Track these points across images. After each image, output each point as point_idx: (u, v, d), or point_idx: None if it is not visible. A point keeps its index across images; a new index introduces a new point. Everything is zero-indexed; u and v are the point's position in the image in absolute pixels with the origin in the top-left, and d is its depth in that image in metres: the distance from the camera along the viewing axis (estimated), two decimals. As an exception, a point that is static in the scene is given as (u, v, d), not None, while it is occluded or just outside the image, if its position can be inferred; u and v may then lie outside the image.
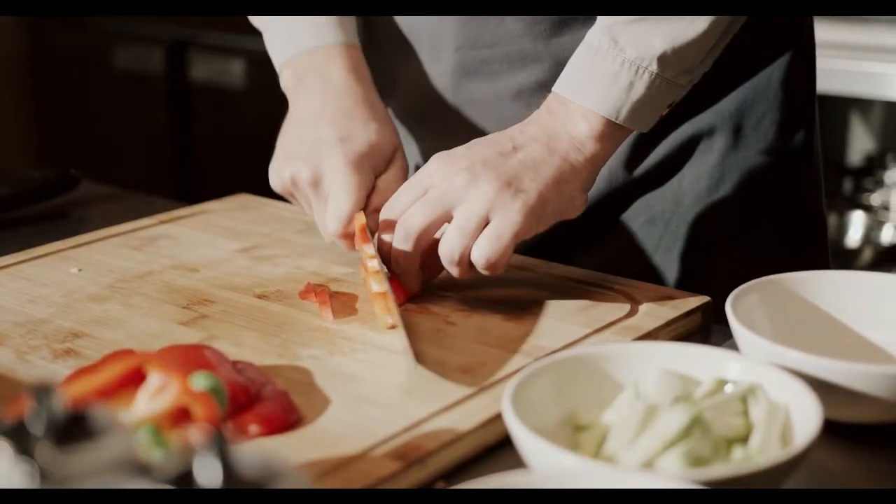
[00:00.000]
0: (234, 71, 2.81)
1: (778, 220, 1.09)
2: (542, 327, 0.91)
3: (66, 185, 1.33)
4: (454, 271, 0.91)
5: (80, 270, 1.04)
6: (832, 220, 2.22)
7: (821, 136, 1.14)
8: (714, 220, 1.08)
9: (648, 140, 1.07)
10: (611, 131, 0.93)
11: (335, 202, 0.96)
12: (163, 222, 1.18)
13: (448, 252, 0.90)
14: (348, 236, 0.97)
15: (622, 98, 0.91)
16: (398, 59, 1.12)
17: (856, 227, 2.26)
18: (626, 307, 0.94)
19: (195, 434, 0.42)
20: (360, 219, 0.96)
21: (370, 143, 0.98)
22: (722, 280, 1.07)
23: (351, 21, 1.07)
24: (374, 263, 0.94)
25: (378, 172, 1.00)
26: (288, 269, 1.04)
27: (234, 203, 1.24)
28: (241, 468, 0.43)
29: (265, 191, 1.30)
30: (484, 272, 0.90)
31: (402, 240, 0.91)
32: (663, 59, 0.91)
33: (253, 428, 0.74)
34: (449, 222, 0.91)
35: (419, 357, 0.85)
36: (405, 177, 1.01)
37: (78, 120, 3.18)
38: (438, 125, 1.10)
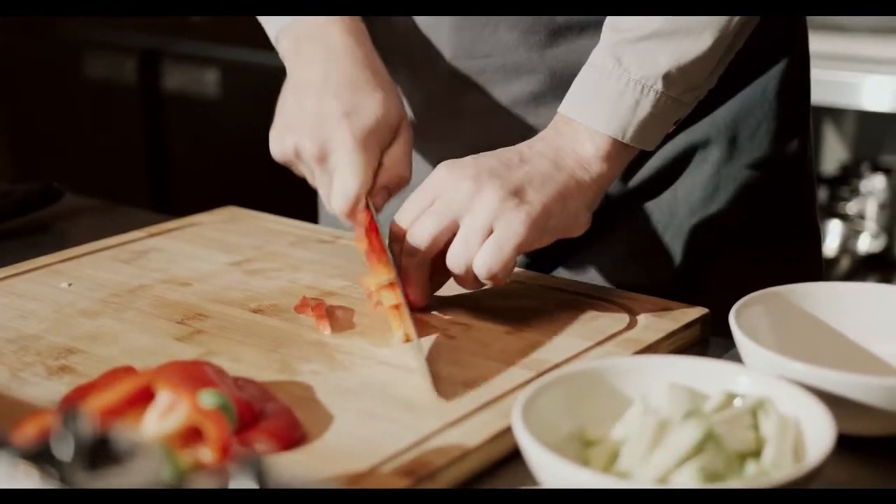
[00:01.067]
0: (209, 80, 2.79)
1: (773, 231, 1.09)
2: (542, 340, 0.90)
3: (50, 197, 1.31)
4: (461, 280, 0.91)
5: (70, 285, 1.03)
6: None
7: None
8: (709, 231, 1.08)
9: (643, 153, 1.06)
10: (617, 151, 0.92)
11: (342, 182, 0.94)
12: (152, 235, 1.17)
13: (453, 262, 0.90)
14: (355, 216, 0.95)
15: (628, 118, 0.91)
16: (393, 70, 1.11)
17: (832, 236, 2.27)
18: (626, 319, 0.94)
19: (233, 455, 0.41)
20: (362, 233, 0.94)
21: (377, 116, 0.95)
22: (717, 291, 1.07)
23: None
24: (391, 276, 0.93)
25: (384, 146, 0.97)
26: (282, 282, 1.03)
27: (223, 215, 1.23)
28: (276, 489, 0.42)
29: (241, 201, 1.28)
30: (486, 282, 0.90)
31: (410, 252, 0.91)
32: (668, 78, 0.91)
33: (258, 445, 0.73)
34: (456, 232, 0.90)
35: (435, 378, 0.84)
36: (411, 149, 0.98)
37: (49, 131, 3.15)
38: (434, 135, 1.10)
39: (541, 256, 1.09)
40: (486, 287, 0.94)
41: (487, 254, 0.88)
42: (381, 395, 0.82)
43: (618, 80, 0.91)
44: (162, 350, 0.89)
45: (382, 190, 0.96)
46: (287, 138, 0.96)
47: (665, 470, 0.66)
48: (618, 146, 0.92)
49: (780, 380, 0.73)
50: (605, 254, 1.09)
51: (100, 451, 0.43)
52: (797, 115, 1.09)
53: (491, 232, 0.88)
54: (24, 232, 1.27)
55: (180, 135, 2.90)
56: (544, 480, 0.67)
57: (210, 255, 1.11)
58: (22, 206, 1.29)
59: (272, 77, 1.05)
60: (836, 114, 2.35)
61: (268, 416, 0.76)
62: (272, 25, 1.05)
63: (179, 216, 1.23)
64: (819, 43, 1.97)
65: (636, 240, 1.09)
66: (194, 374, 0.76)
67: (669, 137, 1.07)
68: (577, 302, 0.98)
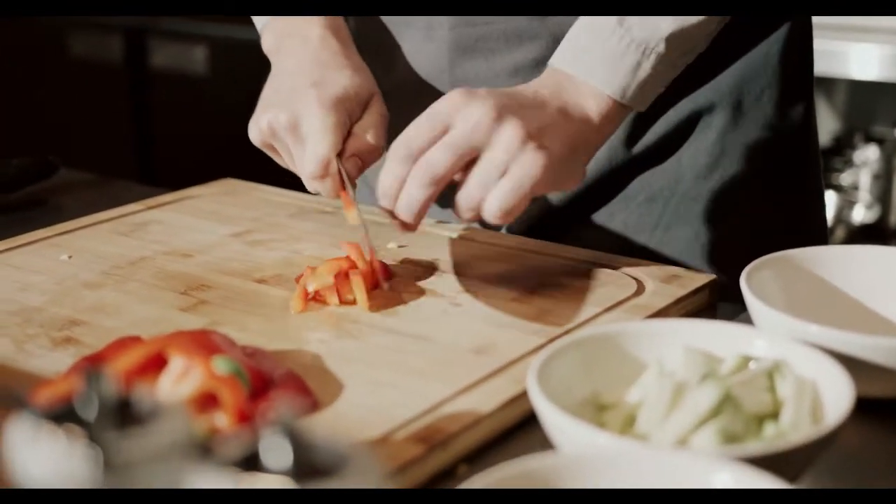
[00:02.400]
0: (197, 58, 2.77)
1: (778, 196, 1.09)
2: (550, 307, 0.90)
3: (45, 171, 1.30)
4: (466, 216, 0.86)
5: (70, 257, 1.02)
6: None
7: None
8: (714, 197, 1.07)
9: (647, 117, 1.06)
10: (616, 111, 0.92)
11: (311, 144, 0.93)
12: (150, 207, 1.16)
13: (466, 203, 0.85)
14: (325, 179, 0.94)
15: (629, 79, 0.90)
16: (394, 40, 1.10)
17: (827, 207, 2.27)
18: (633, 286, 0.93)
19: (263, 413, 0.41)
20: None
21: (344, 86, 0.95)
22: (723, 256, 1.07)
23: None
24: (353, 215, 0.94)
25: (354, 118, 0.97)
26: (284, 253, 1.02)
27: (220, 188, 1.22)
28: (311, 450, 0.41)
29: (230, 176, 1.27)
30: (496, 221, 0.86)
31: (423, 184, 0.85)
32: (670, 40, 0.90)
33: (272, 410, 0.72)
34: (471, 164, 0.86)
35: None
36: (384, 122, 0.98)
37: (36, 109, 3.12)
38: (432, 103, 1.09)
39: (545, 224, 1.08)
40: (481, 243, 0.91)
41: (503, 193, 0.84)
42: (390, 363, 0.81)
43: (619, 41, 0.90)
44: (167, 320, 0.88)
45: (353, 157, 0.95)
46: (262, 118, 0.96)
47: (684, 432, 0.66)
48: (617, 106, 0.91)
49: (796, 342, 0.73)
50: (611, 221, 1.09)
51: (123, 412, 0.42)
52: (800, 80, 1.08)
53: (505, 171, 0.85)
54: (19, 206, 1.26)
55: (168, 112, 2.88)
56: (561, 444, 0.66)
57: (210, 226, 1.10)
58: (17, 179, 1.28)
59: (261, 53, 1.05)
60: (826, 83, 2.34)
61: (278, 384, 0.75)
62: (259, 19, 1.06)
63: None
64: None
65: (641, 207, 1.08)
66: (202, 343, 0.75)
67: (672, 104, 1.06)
68: (584, 269, 0.97)
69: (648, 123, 1.06)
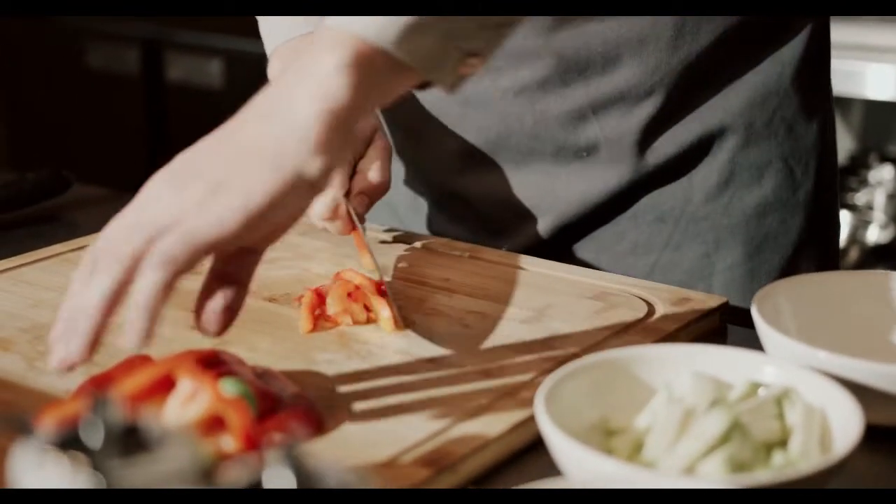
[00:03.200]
0: (212, 71, 2.78)
1: (790, 218, 1.08)
2: (560, 329, 0.90)
3: (59, 186, 1.30)
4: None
5: (82, 274, 1.02)
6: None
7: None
8: (725, 218, 1.07)
9: (656, 137, 1.06)
10: (362, 63, 0.69)
11: None
12: (162, 224, 1.15)
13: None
14: (335, 220, 0.97)
15: (390, 20, 0.70)
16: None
17: (842, 226, 2.26)
18: (644, 308, 0.93)
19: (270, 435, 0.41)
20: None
21: None
22: (733, 278, 1.07)
23: None
24: (367, 261, 0.96)
25: (358, 155, 0.99)
26: (295, 271, 1.02)
27: (232, 204, 1.22)
28: (314, 479, 0.41)
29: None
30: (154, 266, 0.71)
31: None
32: None
33: (277, 435, 0.72)
34: None
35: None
36: (387, 156, 1.01)
37: (52, 121, 3.14)
38: (440, 123, 1.09)
39: (553, 241, 1.08)
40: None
41: (170, 239, 0.71)
42: (398, 385, 0.81)
43: None
44: (177, 338, 0.88)
45: (361, 195, 0.97)
46: None
47: (691, 459, 0.66)
48: (364, 57, 0.69)
49: (805, 369, 0.73)
50: (621, 240, 1.08)
51: (129, 438, 0.42)
52: (816, 100, 1.08)
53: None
54: (33, 221, 1.26)
55: (183, 125, 2.89)
56: (567, 470, 0.66)
57: (222, 244, 1.10)
58: (31, 195, 1.28)
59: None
60: (841, 103, 2.33)
61: (287, 405, 0.75)
62: (269, 42, 1.07)
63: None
64: (836, 33, 1.96)
65: (651, 226, 1.08)
66: (214, 363, 0.76)
67: (683, 123, 1.05)
68: (594, 291, 0.97)
69: (657, 144, 1.06)
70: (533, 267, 1.03)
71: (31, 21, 3.08)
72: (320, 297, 0.92)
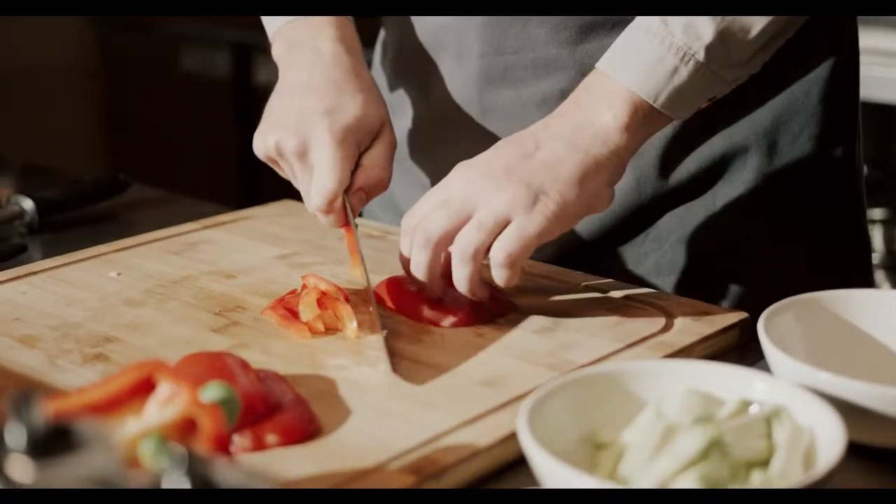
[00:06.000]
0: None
1: (816, 237, 1.07)
2: (572, 341, 0.90)
3: (116, 188, 1.34)
4: (465, 271, 0.88)
5: (118, 274, 1.05)
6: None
7: (878, 146, 1.11)
8: (750, 235, 1.06)
9: (678, 153, 1.05)
10: (637, 122, 0.90)
11: (319, 178, 0.96)
12: (206, 227, 1.18)
13: (463, 247, 0.88)
14: (331, 213, 0.98)
15: (663, 82, 0.89)
16: (424, 68, 1.11)
17: (872, 242, 2.17)
18: (661, 322, 0.93)
19: (168, 451, 0.42)
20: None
21: (356, 116, 0.97)
22: (759, 298, 1.05)
23: None
24: (358, 272, 0.97)
25: (363, 147, 0.99)
26: (324, 276, 1.04)
27: (278, 209, 1.24)
28: (213, 485, 0.42)
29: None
30: (501, 270, 0.88)
31: (421, 245, 0.90)
32: (711, 50, 0.88)
33: (271, 437, 0.74)
34: None
35: (398, 363, 0.86)
36: (392, 152, 1.01)
37: (147, 123, 3.22)
38: (464, 133, 1.09)
39: (578, 257, 1.07)
40: (482, 295, 0.92)
41: (507, 239, 0.87)
42: (400, 392, 0.82)
43: (661, 43, 0.88)
44: (196, 341, 0.91)
45: (359, 191, 0.98)
46: (269, 136, 0.99)
47: (666, 476, 0.65)
48: (638, 116, 0.89)
49: (799, 388, 0.72)
50: (644, 260, 1.08)
51: (53, 442, 0.44)
52: (843, 119, 1.06)
53: (507, 223, 0.87)
54: (89, 221, 1.30)
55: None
56: (546, 483, 0.66)
57: (259, 248, 1.12)
58: (88, 195, 1.32)
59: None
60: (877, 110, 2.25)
61: (284, 409, 0.77)
62: (270, 25, 1.08)
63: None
64: (868, 39, 1.91)
65: (674, 246, 1.07)
66: (213, 365, 0.78)
67: (706, 139, 1.04)
68: (614, 303, 0.97)
69: (680, 158, 1.05)
70: (555, 276, 1.03)
71: (127, 29, 3.16)
72: (291, 311, 0.94)
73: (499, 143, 0.92)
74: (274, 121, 1.00)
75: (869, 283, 1.10)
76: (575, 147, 0.89)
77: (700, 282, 1.06)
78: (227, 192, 2.94)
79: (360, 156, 0.99)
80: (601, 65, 0.92)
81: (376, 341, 0.89)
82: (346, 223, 0.98)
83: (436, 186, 0.92)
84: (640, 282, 1.06)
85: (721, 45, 0.89)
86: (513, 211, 0.87)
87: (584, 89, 0.92)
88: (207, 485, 0.42)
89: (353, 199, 0.97)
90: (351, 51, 1.02)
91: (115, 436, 0.45)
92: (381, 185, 0.99)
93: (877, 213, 2.11)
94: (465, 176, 0.90)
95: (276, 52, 1.06)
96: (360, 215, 0.99)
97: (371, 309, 0.93)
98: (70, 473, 0.42)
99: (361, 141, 0.98)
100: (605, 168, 0.90)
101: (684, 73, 0.88)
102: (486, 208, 0.88)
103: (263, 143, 1.00)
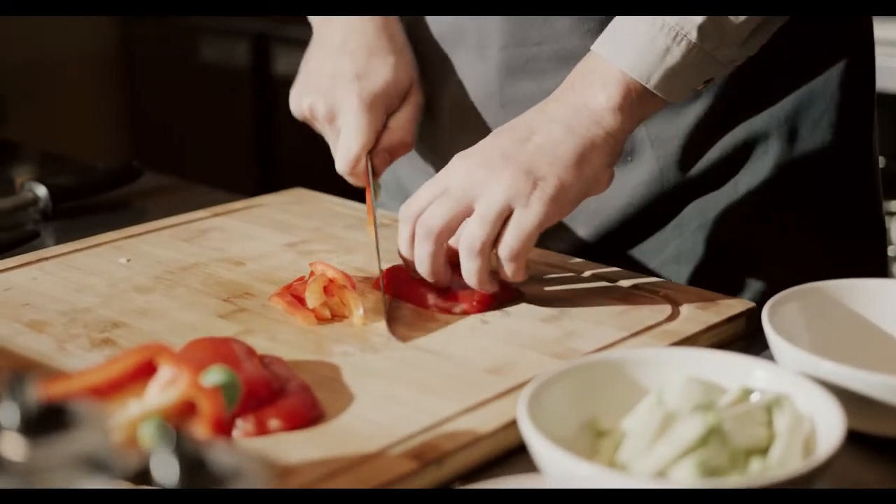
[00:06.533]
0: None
1: (835, 226, 1.06)
2: (578, 329, 0.90)
3: (129, 176, 1.35)
4: (473, 265, 0.89)
5: (128, 261, 1.05)
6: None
7: (886, 136, 1.10)
8: (769, 226, 1.05)
9: (701, 142, 1.04)
10: (630, 103, 0.90)
11: (345, 141, 1.01)
12: (217, 215, 1.19)
13: (469, 242, 0.89)
14: (355, 175, 1.02)
15: (655, 63, 0.88)
16: (445, 60, 1.11)
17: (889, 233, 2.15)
18: (668, 311, 0.93)
19: (153, 432, 0.42)
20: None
21: (386, 80, 1.01)
22: (777, 287, 1.05)
23: None
24: (370, 230, 1.01)
25: (391, 110, 1.03)
26: (334, 264, 1.04)
27: (289, 197, 1.25)
28: (202, 466, 0.42)
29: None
30: (507, 265, 0.89)
31: (422, 237, 0.90)
32: (703, 30, 0.87)
33: (273, 422, 0.74)
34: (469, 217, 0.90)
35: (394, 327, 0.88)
36: (418, 114, 1.04)
37: (166, 113, 3.23)
38: (485, 125, 1.09)
39: (600, 247, 1.07)
40: (492, 289, 0.92)
41: (508, 235, 0.88)
42: (405, 379, 0.82)
43: (652, 24, 0.88)
44: (204, 327, 0.91)
45: (383, 152, 1.02)
46: (304, 98, 1.04)
47: (664, 463, 0.65)
48: (631, 97, 0.90)
49: (800, 377, 0.72)
50: (664, 248, 1.07)
51: (45, 421, 0.44)
52: (861, 107, 1.06)
53: (509, 213, 0.88)
54: (102, 209, 1.31)
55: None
56: (545, 469, 0.66)
57: (269, 235, 1.12)
58: (101, 183, 1.33)
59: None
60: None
61: (288, 394, 0.77)
62: None
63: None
64: (881, 29, 1.90)
65: (695, 234, 1.07)
66: (217, 351, 0.78)
67: (728, 129, 1.04)
68: (620, 292, 0.97)
69: (702, 149, 1.05)
70: (565, 264, 1.03)
71: (148, 20, 3.17)
72: (297, 298, 0.94)
73: (496, 131, 0.93)
74: (307, 83, 1.04)
75: (884, 273, 1.09)
76: (571, 129, 0.89)
77: (719, 270, 1.06)
78: (245, 181, 2.95)
79: (388, 118, 1.02)
80: (596, 47, 0.92)
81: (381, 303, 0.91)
82: (368, 186, 1.01)
83: (435, 176, 0.93)
84: (660, 270, 1.06)
85: (713, 25, 0.88)
86: (512, 198, 0.87)
87: (579, 72, 0.92)
88: (197, 465, 0.42)
89: (376, 160, 1.00)
90: None
91: (108, 416, 0.45)
92: (405, 147, 1.04)
93: (895, 206, 2.10)
94: (463, 165, 0.90)
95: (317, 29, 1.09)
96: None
97: (380, 287, 0.94)
98: (62, 452, 0.42)
99: (390, 104, 1.02)
100: (601, 149, 0.90)
101: (677, 53, 0.88)
102: (485, 198, 0.88)
103: (298, 105, 1.05)
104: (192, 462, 0.42)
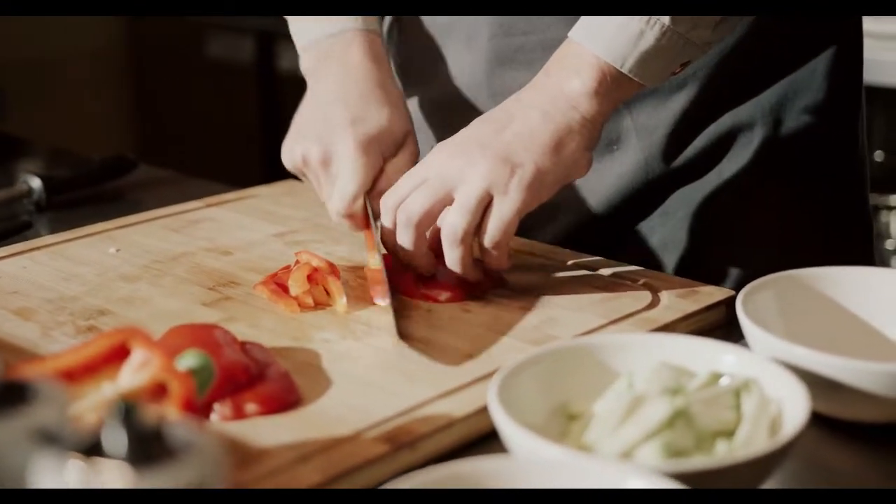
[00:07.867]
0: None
1: (819, 216, 1.07)
2: (557, 317, 0.90)
3: (124, 168, 1.36)
4: (456, 253, 0.90)
5: (117, 250, 1.07)
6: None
7: (883, 131, 1.11)
8: (753, 214, 1.06)
9: (687, 131, 1.05)
10: (606, 88, 0.90)
11: (341, 183, 0.98)
12: (209, 205, 1.20)
13: (451, 231, 0.90)
14: (352, 217, 0.99)
15: (629, 47, 0.89)
16: (433, 50, 1.12)
17: (874, 225, 2.15)
18: (648, 298, 0.93)
19: (107, 406, 0.43)
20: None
21: (381, 126, 0.99)
22: (762, 274, 1.05)
23: None
24: (375, 260, 0.97)
25: (387, 156, 1.01)
26: (319, 254, 1.05)
27: (281, 188, 1.26)
28: (154, 439, 0.43)
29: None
30: (490, 253, 0.90)
31: (403, 225, 0.91)
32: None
33: (250, 406, 0.75)
34: (450, 205, 0.90)
35: (406, 336, 0.87)
36: (415, 162, 1.01)
37: (172, 108, 3.25)
38: (474, 115, 1.10)
39: (587, 236, 1.08)
40: (476, 278, 0.93)
41: (490, 223, 0.89)
42: (384, 365, 0.83)
43: None
44: (187, 314, 0.92)
45: (380, 196, 0.98)
46: (297, 147, 1.01)
47: (630, 444, 0.66)
48: (607, 82, 0.90)
49: (768, 361, 0.72)
50: (650, 237, 1.08)
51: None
52: (848, 98, 1.06)
53: (488, 200, 0.89)
54: (98, 200, 1.32)
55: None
56: (513, 451, 0.67)
57: (258, 225, 1.13)
58: (96, 175, 1.34)
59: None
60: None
61: (266, 379, 0.78)
62: (299, 38, 1.09)
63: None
64: (885, 24, 1.90)
65: (680, 222, 1.08)
66: (197, 337, 0.79)
67: (714, 118, 1.05)
68: (601, 280, 0.97)
69: (688, 137, 1.05)
70: (543, 253, 1.03)
71: (157, 17, 3.19)
72: (281, 286, 0.95)
73: (475, 121, 0.94)
74: (300, 132, 1.02)
75: (870, 261, 1.10)
76: (547, 115, 0.90)
77: (705, 258, 1.06)
78: (250, 176, 2.96)
79: (385, 163, 1.00)
80: (571, 34, 0.93)
81: (383, 308, 0.91)
82: (368, 226, 0.99)
83: (415, 167, 0.93)
84: (646, 258, 1.07)
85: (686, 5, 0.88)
86: (491, 186, 0.88)
87: (556, 59, 0.93)
88: (148, 438, 0.43)
89: (375, 203, 0.98)
90: (379, 65, 1.04)
91: (67, 392, 0.46)
92: None
93: (893, 200, 2.10)
94: (442, 154, 0.91)
95: (305, 64, 1.07)
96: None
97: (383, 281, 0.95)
98: (17, 426, 0.43)
99: (386, 150, 1.00)
100: (578, 134, 0.91)
101: (650, 37, 0.88)
102: (464, 187, 0.89)
103: (290, 156, 1.02)
104: (142, 435, 0.43)
